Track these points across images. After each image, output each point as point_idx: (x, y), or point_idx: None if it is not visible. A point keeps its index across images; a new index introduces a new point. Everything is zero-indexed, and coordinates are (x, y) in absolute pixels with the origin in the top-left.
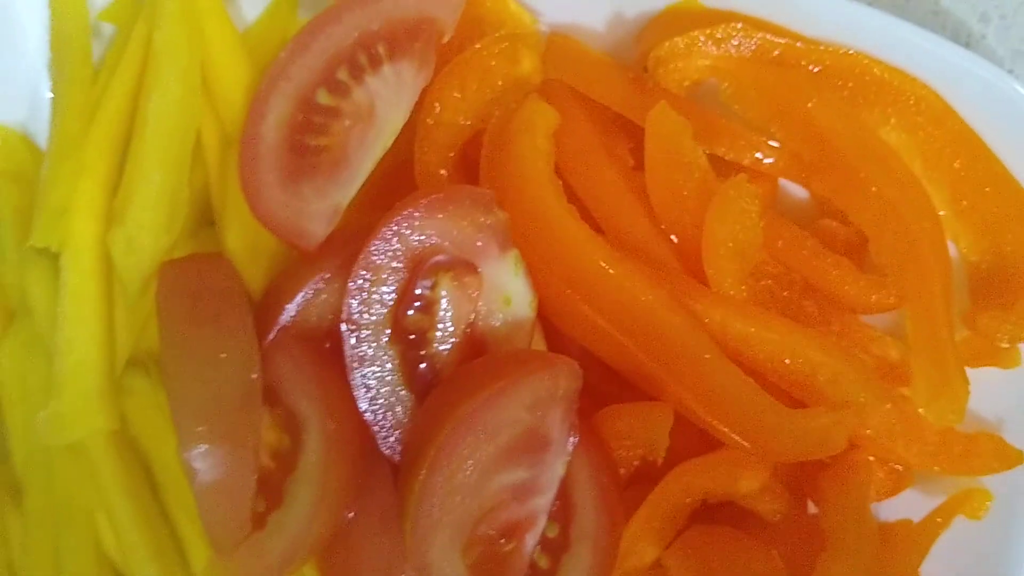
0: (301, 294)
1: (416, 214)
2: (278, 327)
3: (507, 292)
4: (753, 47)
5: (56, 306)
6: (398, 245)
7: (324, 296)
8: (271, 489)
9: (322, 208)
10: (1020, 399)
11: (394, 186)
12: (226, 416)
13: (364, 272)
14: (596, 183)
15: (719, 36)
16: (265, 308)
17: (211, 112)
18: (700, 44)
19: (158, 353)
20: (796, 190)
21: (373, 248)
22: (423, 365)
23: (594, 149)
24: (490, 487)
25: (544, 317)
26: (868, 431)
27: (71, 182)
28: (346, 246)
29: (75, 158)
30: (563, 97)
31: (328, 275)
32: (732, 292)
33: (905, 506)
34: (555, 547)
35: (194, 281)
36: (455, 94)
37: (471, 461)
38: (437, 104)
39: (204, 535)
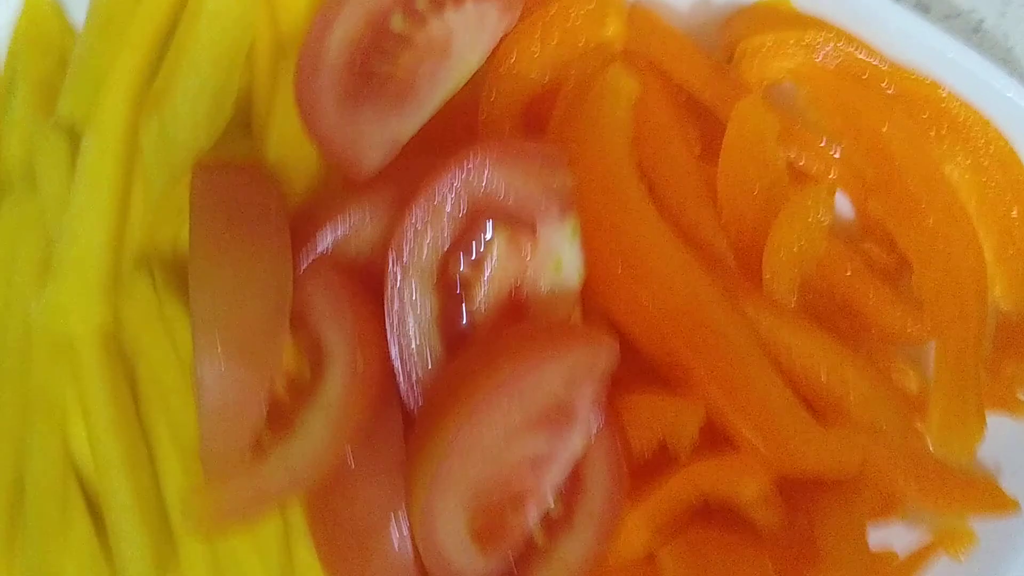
0: (343, 224)
1: (487, 161)
2: (314, 253)
3: (559, 258)
4: (838, 59)
5: (68, 188)
6: (462, 190)
7: (367, 230)
8: (279, 419)
9: (380, 138)
10: (1021, 449)
11: (449, 132)
12: (249, 336)
13: (422, 211)
14: (667, 164)
15: (808, 42)
16: (302, 232)
17: (267, 13)
18: (789, 46)
19: (169, 258)
20: (841, 208)
21: (436, 188)
22: (461, 320)
23: (670, 128)
24: (511, 455)
25: (585, 292)
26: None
27: (109, 56)
28: (399, 182)
29: (116, 31)
30: (643, 71)
31: (375, 209)
32: (783, 300)
33: (885, 532)
34: (555, 525)
35: (232, 188)
36: (534, 47)
37: (501, 426)
38: (514, 53)
39: (184, 458)
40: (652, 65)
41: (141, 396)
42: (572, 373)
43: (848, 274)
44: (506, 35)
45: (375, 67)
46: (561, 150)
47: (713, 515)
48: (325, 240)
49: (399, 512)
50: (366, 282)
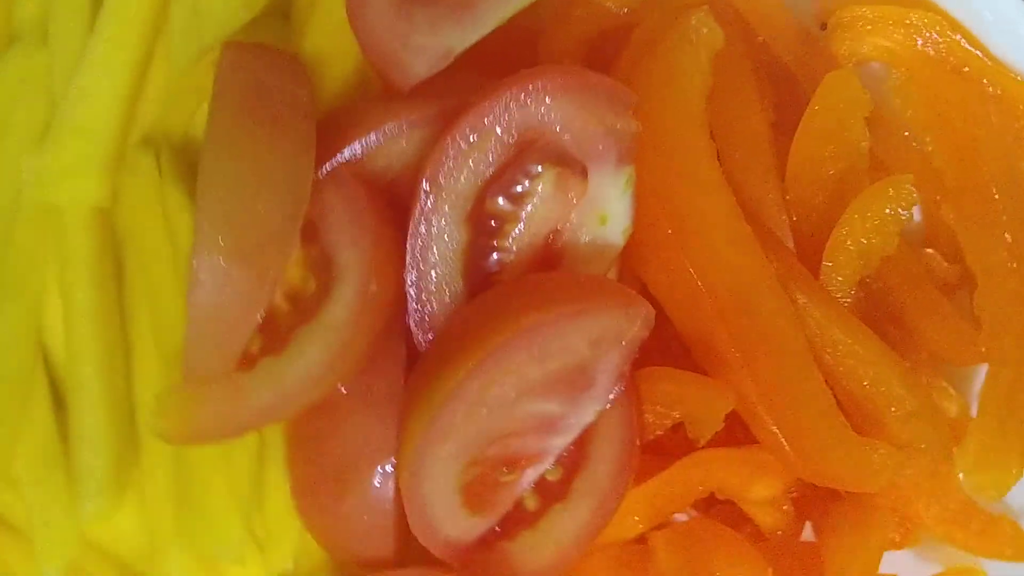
0: (376, 133)
1: (549, 88)
2: (338, 159)
3: (606, 210)
4: (940, 46)
5: (83, 46)
6: (517, 116)
7: (401, 144)
8: (273, 331)
9: (431, 45)
10: None
11: (504, 55)
12: (256, 235)
13: (469, 132)
14: (739, 128)
15: (912, 22)
16: (328, 136)
17: None
18: (890, 23)
19: (179, 143)
20: None
21: (488, 109)
22: (489, 258)
23: (748, 89)
24: (519, 411)
25: (625, 253)
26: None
27: None
28: (444, 97)
29: None
30: (728, 23)
31: (413, 122)
32: (839, 294)
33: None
34: (550, 492)
35: (261, 73)
36: None
37: (515, 378)
38: None
39: (163, 358)
40: (738, 17)
41: (127, 286)
42: (601, 334)
43: (910, 280)
44: None
45: None
46: (631, 91)
47: (716, 505)
48: (353, 148)
49: (386, 452)
50: (390, 201)
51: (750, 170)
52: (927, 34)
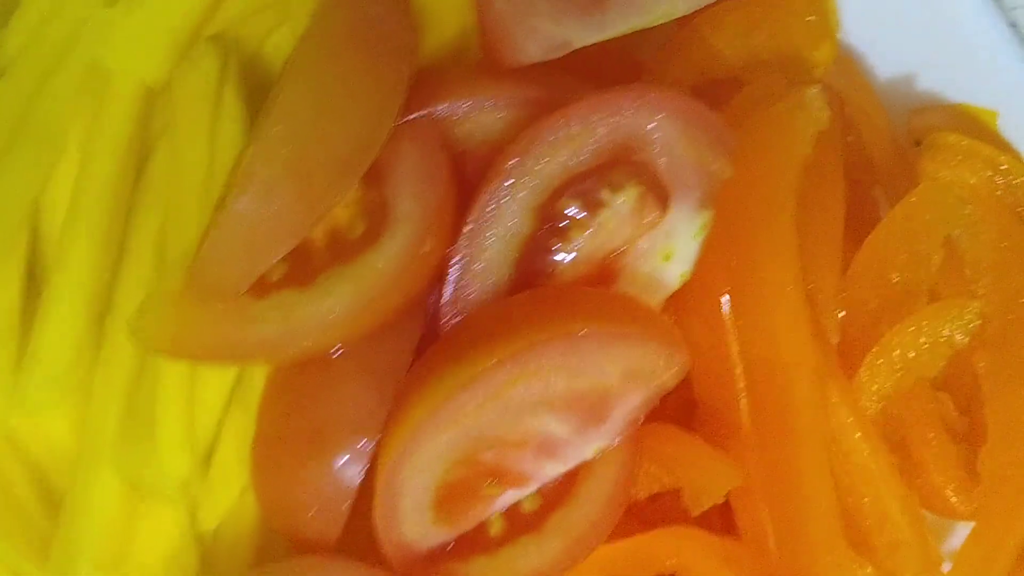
0: (469, 100)
1: (661, 105)
2: (422, 113)
3: (673, 248)
4: (1019, 198)
5: None
6: (624, 122)
7: (488, 119)
8: (300, 264)
9: (551, 33)
10: None
11: (607, 68)
12: (323, 160)
13: (573, 122)
14: (818, 210)
15: (1002, 166)
16: (418, 88)
17: None
18: (980, 160)
19: (246, 59)
20: None
21: (599, 106)
22: (545, 258)
23: (835, 176)
24: (530, 422)
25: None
26: None
27: None
28: (544, 88)
29: None
30: (833, 108)
31: (509, 102)
32: (868, 402)
33: None
34: (521, 522)
35: (369, 5)
36: (739, 26)
37: (542, 384)
38: (717, 23)
39: (158, 261)
40: (841, 108)
41: (145, 179)
42: (637, 367)
43: (923, 413)
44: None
45: None
46: (735, 138)
47: None
48: (440, 107)
49: (370, 428)
50: (460, 174)
51: (817, 256)
52: (1010, 181)
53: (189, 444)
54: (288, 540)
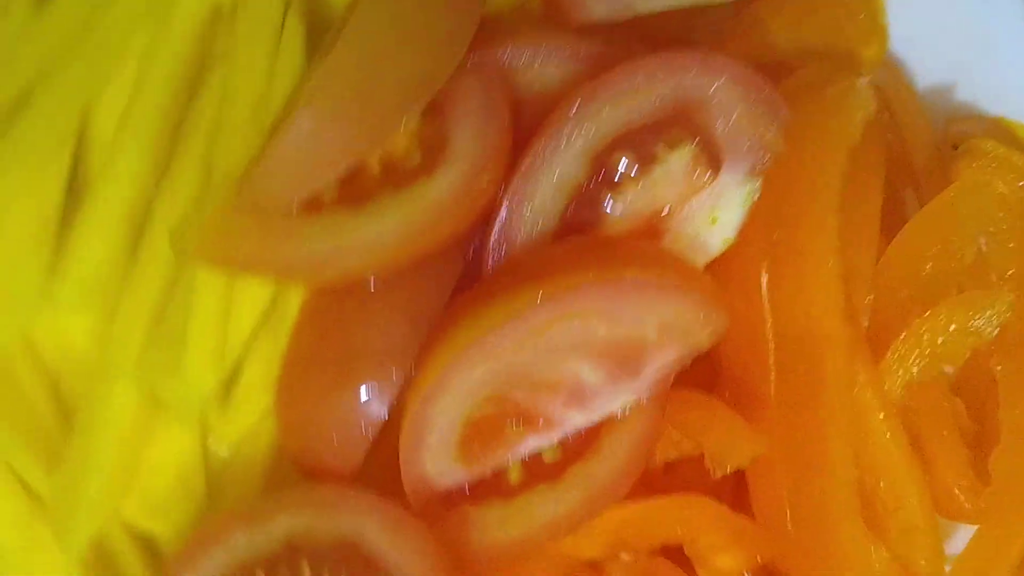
0: (532, 50)
1: (725, 70)
2: (486, 54)
3: (719, 214)
4: None
5: None
6: (688, 81)
7: (547, 72)
8: (353, 187)
9: None
10: None
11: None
12: (389, 87)
13: (638, 76)
14: (858, 196)
15: None
16: (484, 31)
17: None
18: (1013, 170)
19: None
20: None
21: (665, 62)
22: (594, 208)
23: (877, 164)
24: (565, 365)
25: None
26: None
27: None
28: (607, 44)
29: None
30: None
31: (573, 56)
32: (891, 387)
33: None
34: (539, 471)
35: None
36: (793, 15)
37: (583, 327)
38: (771, 11)
39: (204, 173)
40: (885, 103)
41: (201, 96)
42: (674, 321)
43: (937, 411)
44: None
45: None
46: (791, 112)
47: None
48: (507, 52)
49: (401, 361)
50: (517, 119)
51: (854, 240)
52: None
53: (217, 361)
54: (302, 470)
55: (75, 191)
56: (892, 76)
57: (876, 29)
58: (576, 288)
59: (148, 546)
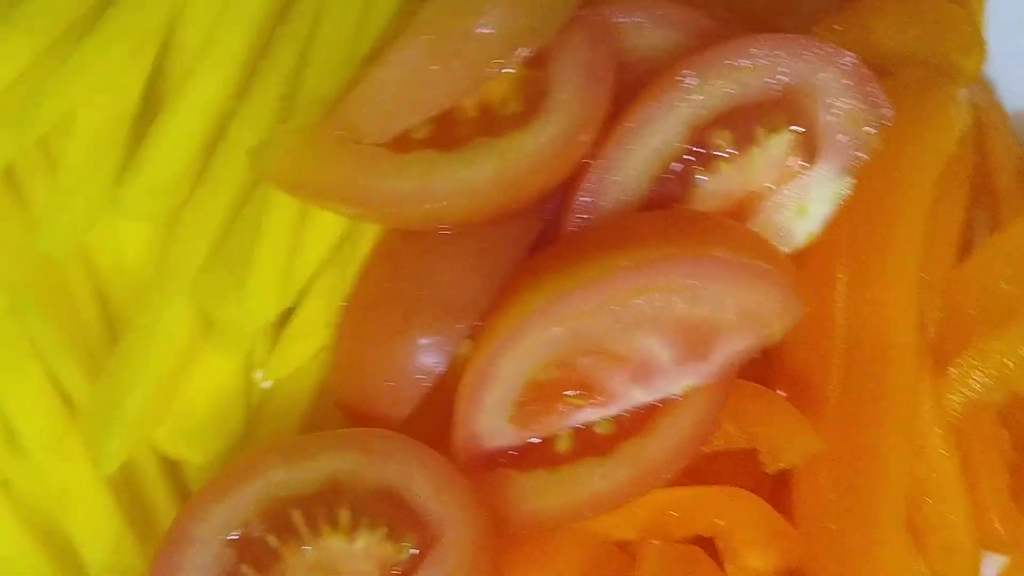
0: (644, 14)
1: (836, 61)
2: (596, 12)
3: (808, 206)
4: None
5: None
6: (801, 67)
7: (655, 38)
8: (447, 128)
9: None
10: None
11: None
12: (490, 28)
13: (753, 52)
14: (943, 207)
15: None
16: None
17: None
18: None
19: None
20: None
21: (782, 43)
22: (686, 182)
23: (963, 177)
24: (638, 337)
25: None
26: None
27: None
28: (717, 21)
29: None
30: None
31: (683, 23)
32: (951, 402)
33: None
34: (590, 444)
35: None
36: (897, 18)
37: (664, 301)
38: (876, 12)
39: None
40: (978, 120)
41: (291, 19)
42: (754, 308)
43: (985, 437)
44: None
45: None
46: (894, 113)
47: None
48: (615, 13)
49: (468, 314)
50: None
51: (932, 251)
52: None
53: (280, 290)
54: (347, 414)
55: (153, 99)
56: (984, 94)
57: (977, 42)
58: (664, 260)
59: (175, 473)
